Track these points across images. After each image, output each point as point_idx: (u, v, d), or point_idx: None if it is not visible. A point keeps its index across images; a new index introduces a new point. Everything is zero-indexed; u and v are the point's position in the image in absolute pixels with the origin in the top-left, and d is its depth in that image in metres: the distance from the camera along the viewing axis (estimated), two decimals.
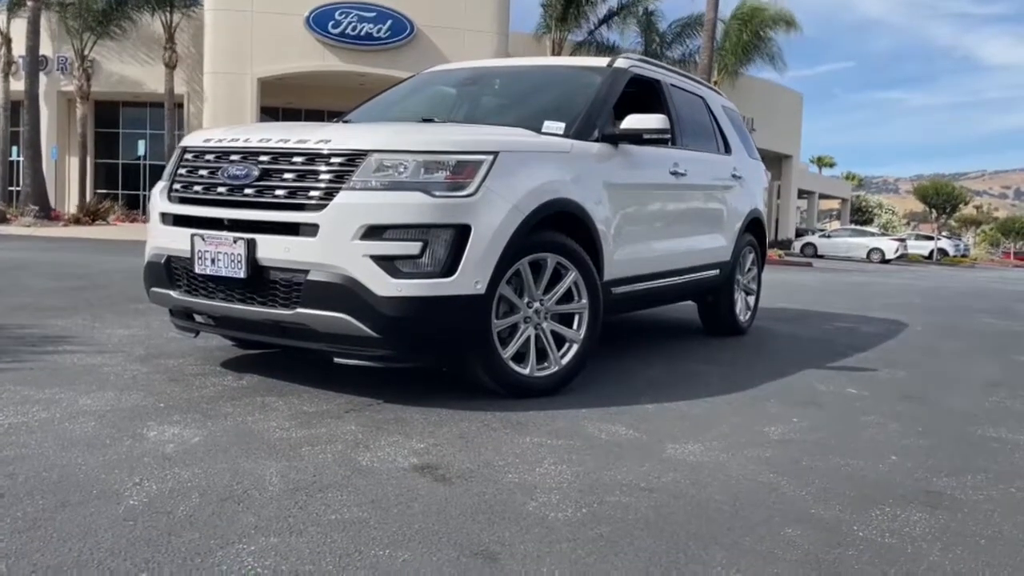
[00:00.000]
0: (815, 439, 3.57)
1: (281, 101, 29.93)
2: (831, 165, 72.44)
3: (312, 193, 3.58)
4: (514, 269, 3.81)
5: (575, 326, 4.14)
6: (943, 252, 43.18)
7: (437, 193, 3.56)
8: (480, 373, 3.86)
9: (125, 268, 9.43)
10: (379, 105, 5.49)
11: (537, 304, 3.98)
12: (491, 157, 3.70)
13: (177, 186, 4.01)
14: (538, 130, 4.40)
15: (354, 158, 3.58)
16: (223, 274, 3.70)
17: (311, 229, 3.54)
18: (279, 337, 3.81)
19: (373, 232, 3.49)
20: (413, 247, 3.51)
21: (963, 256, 46.03)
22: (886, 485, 3.01)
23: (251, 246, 3.62)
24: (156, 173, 29.53)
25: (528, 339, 3.96)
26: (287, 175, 3.65)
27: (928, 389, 4.87)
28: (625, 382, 4.52)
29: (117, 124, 32.02)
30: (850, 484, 2.99)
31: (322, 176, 3.59)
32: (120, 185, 31.91)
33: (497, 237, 3.66)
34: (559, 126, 4.44)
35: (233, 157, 3.82)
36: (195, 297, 3.90)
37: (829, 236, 38.63)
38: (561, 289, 4.05)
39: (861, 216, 58.74)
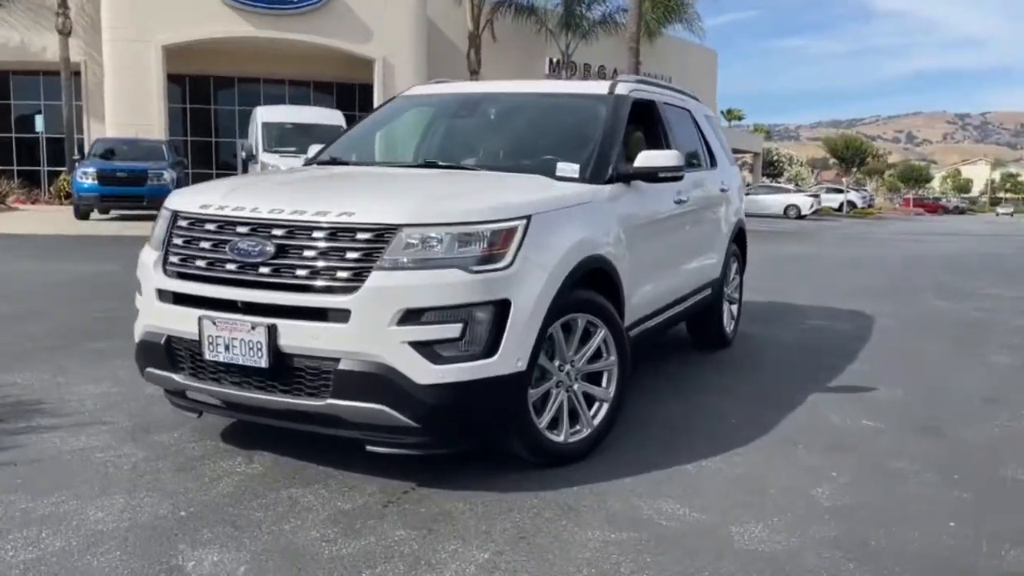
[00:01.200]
0: (865, 505, 3.50)
1: (190, 68, 28.52)
2: (740, 118, 73.65)
3: (340, 274, 3.27)
4: (547, 335, 3.60)
5: (604, 384, 3.96)
6: (852, 204, 44.66)
7: (474, 268, 3.30)
8: (517, 446, 3.67)
9: (59, 280, 8.79)
10: (365, 136, 5.13)
11: (568, 366, 3.79)
12: (524, 222, 3.46)
13: (174, 258, 3.62)
14: (551, 173, 4.17)
15: (382, 233, 3.28)
16: (240, 362, 3.38)
17: (341, 315, 3.24)
18: (304, 424, 3.52)
19: (411, 316, 3.22)
20: (453, 329, 3.26)
21: (869, 207, 47.72)
22: (962, 567, 2.96)
23: (272, 332, 3.30)
24: (55, 148, 28.04)
25: (561, 404, 3.77)
26: (308, 252, 3.33)
27: (936, 415, 4.89)
28: (647, 429, 4.38)
29: (7, 95, 29.95)
30: (928, 569, 2.93)
31: (349, 254, 3.28)
32: (15, 162, 29.97)
33: (537, 309, 3.44)
34: (574, 168, 4.21)
35: (240, 229, 3.46)
36: (204, 383, 3.56)
37: (747, 194, 39.27)
38: (591, 348, 3.86)
39: (773, 169, 60.05)
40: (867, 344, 6.95)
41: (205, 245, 3.54)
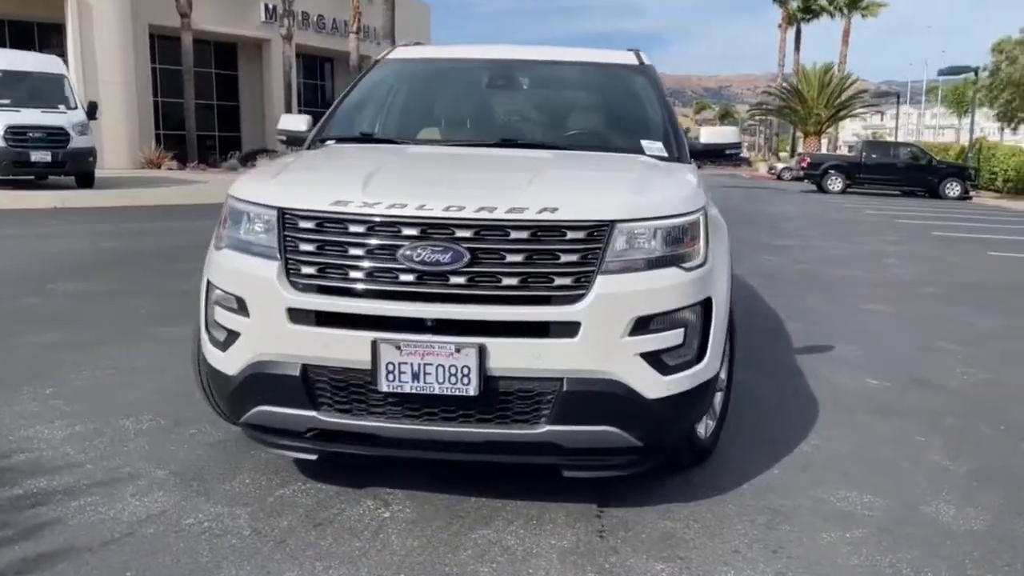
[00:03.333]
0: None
1: None
2: None
3: (558, 280, 2.82)
4: None
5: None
6: None
7: (686, 266, 3.02)
8: (682, 450, 3.45)
9: None
10: (374, 107, 4.44)
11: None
12: (703, 213, 3.22)
13: (308, 269, 2.89)
14: (638, 151, 3.92)
15: (593, 231, 2.87)
16: (436, 392, 2.81)
17: (568, 328, 2.81)
18: (497, 455, 3.02)
19: (641, 324, 2.87)
20: (677, 335, 2.96)
21: None
22: None
23: (482, 354, 2.78)
24: None
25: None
26: (511, 257, 2.82)
27: (909, 371, 5.37)
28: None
29: None
30: None
31: (563, 257, 2.84)
32: None
33: (724, 304, 3.24)
34: (659, 147, 3.99)
35: (409, 232, 2.85)
36: (362, 419, 2.92)
37: None
38: None
39: None
40: (759, 301, 7.43)
41: (358, 252, 2.87)
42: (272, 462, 3.51)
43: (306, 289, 2.89)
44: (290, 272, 2.91)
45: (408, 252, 2.81)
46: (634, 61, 4.61)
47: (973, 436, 4.17)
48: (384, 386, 2.82)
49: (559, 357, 2.81)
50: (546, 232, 2.85)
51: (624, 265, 2.88)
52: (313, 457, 3.16)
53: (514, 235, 2.83)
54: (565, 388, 2.81)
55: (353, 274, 2.86)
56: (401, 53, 4.74)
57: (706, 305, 3.07)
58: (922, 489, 3.49)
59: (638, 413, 2.90)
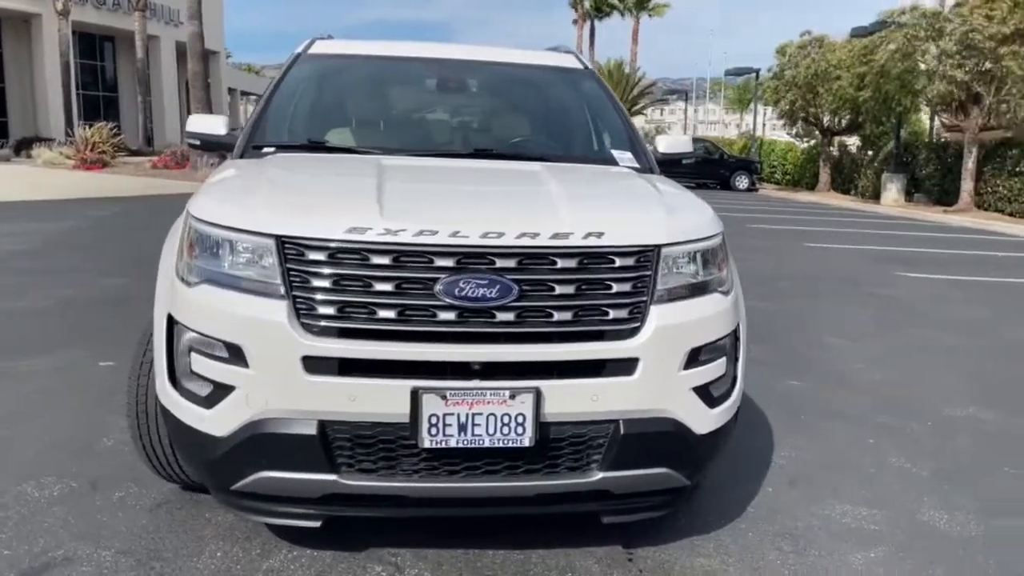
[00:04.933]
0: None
1: None
2: (228, 56, 70.59)
3: (613, 313, 2.57)
4: None
5: None
6: None
7: (722, 290, 2.87)
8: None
9: None
10: (304, 110, 3.93)
11: None
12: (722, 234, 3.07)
13: (325, 308, 2.44)
14: (612, 161, 3.75)
15: (641, 256, 2.64)
16: (486, 445, 2.47)
17: (625, 365, 2.56)
18: (529, 507, 2.72)
19: (693, 356, 2.69)
20: (721, 365, 2.81)
21: None
22: None
23: (538, 399, 2.48)
24: None
25: None
26: (560, 288, 2.53)
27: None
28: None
29: None
30: None
31: (616, 287, 2.59)
32: None
33: (742, 327, 3.11)
34: (630, 157, 3.82)
35: (443, 262, 2.48)
36: (391, 479, 2.53)
37: None
38: None
39: None
40: None
41: (385, 287, 2.46)
42: (238, 525, 3.02)
43: (323, 333, 2.45)
44: (300, 313, 2.46)
45: (447, 286, 2.45)
46: (576, 64, 4.40)
47: (912, 435, 4.33)
48: (426, 442, 2.45)
49: (616, 397, 2.56)
50: (594, 260, 2.58)
51: (673, 293, 2.67)
52: (317, 524, 2.70)
53: (561, 263, 2.55)
54: (622, 431, 2.57)
55: (383, 313, 2.45)
56: (322, 48, 4.23)
57: (735, 333, 2.93)
58: (903, 496, 3.56)
59: (689, 451, 2.72)
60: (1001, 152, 21.22)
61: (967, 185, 21.39)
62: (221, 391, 2.52)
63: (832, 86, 26.59)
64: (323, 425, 2.47)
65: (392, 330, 2.45)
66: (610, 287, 2.58)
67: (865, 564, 2.98)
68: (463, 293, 2.45)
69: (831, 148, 30.07)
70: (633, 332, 2.57)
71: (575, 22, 56.28)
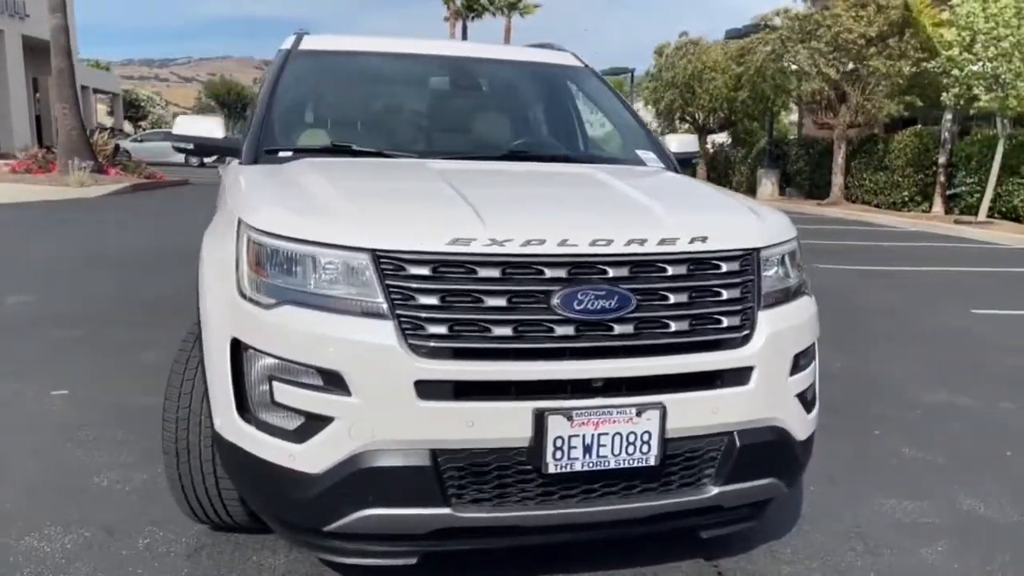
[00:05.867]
0: None
1: None
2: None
3: (726, 321, 2.47)
4: None
5: None
6: None
7: (808, 292, 2.83)
8: None
9: None
10: (313, 111, 3.63)
11: None
12: None
13: (436, 328, 2.23)
14: (639, 161, 3.67)
15: (743, 260, 2.56)
16: (611, 466, 2.32)
17: (741, 375, 2.47)
18: (642, 527, 2.58)
19: (796, 362, 2.63)
20: (813, 370, 2.77)
21: None
22: None
23: (664, 415, 2.35)
24: None
25: None
26: (674, 297, 2.41)
27: None
28: None
29: None
30: None
31: (726, 294, 2.49)
32: None
33: None
34: (652, 156, 3.74)
35: (554, 273, 2.31)
36: (506, 509, 2.34)
37: (143, 140, 36.32)
38: None
39: (136, 112, 55.92)
40: None
41: (498, 302, 2.27)
42: (293, 568, 2.74)
43: (435, 354, 2.24)
44: (407, 334, 2.24)
45: (565, 299, 2.28)
46: (576, 62, 4.28)
47: (910, 423, 4.45)
48: (551, 466, 2.27)
49: (733, 409, 2.47)
50: (700, 266, 2.48)
51: (774, 298, 2.61)
52: (413, 561, 2.47)
53: (672, 270, 2.43)
54: (738, 443, 2.47)
55: (497, 330, 2.26)
56: (315, 44, 3.92)
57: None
58: (936, 487, 3.64)
59: (793, 459, 2.67)
60: (867, 148, 22.52)
61: (838, 179, 22.57)
62: (316, 423, 2.26)
63: (708, 86, 27.52)
64: (435, 454, 2.25)
65: (509, 348, 2.27)
66: (720, 293, 2.48)
67: (937, 558, 3.00)
68: (582, 306, 2.29)
69: (707, 145, 31.14)
70: (745, 340, 2.48)
71: (447, 19, 56.08)
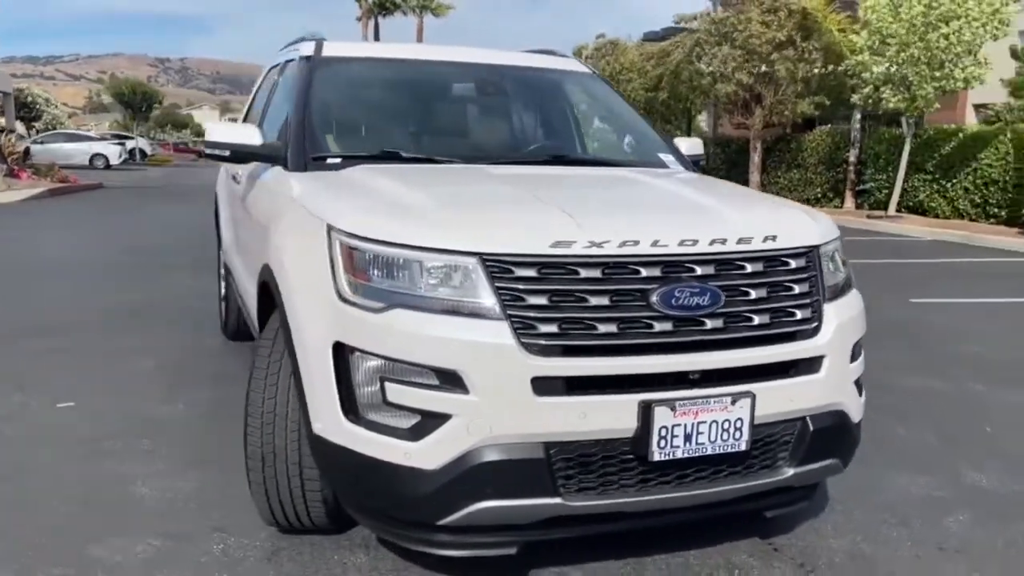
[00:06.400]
0: None
1: None
2: None
3: (798, 314, 2.65)
4: None
5: None
6: (143, 153, 43.28)
7: (855, 286, 3.05)
8: None
9: None
10: (345, 116, 3.66)
11: None
12: None
13: (546, 327, 2.33)
14: (659, 162, 3.84)
15: (806, 256, 2.75)
16: (708, 452, 2.48)
17: (813, 364, 2.66)
18: (724, 508, 2.73)
19: (854, 350, 2.84)
20: (863, 357, 2.97)
21: (155, 155, 46.91)
22: None
23: (754, 403, 2.51)
24: None
25: None
26: (754, 292, 2.58)
27: None
28: None
29: None
30: None
31: (797, 288, 2.67)
32: None
33: None
34: (672, 158, 3.92)
35: (647, 272, 2.45)
36: (611, 496, 2.46)
37: (43, 143, 34.77)
38: None
39: (29, 112, 53.28)
40: None
41: (601, 301, 2.40)
42: (376, 565, 2.80)
43: (547, 352, 2.35)
44: (520, 333, 2.34)
45: (663, 296, 2.43)
46: (583, 68, 4.43)
47: (894, 406, 4.75)
48: (656, 454, 2.41)
49: (807, 395, 2.66)
50: (773, 263, 2.66)
51: (833, 291, 2.81)
52: (514, 551, 2.57)
53: (750, 268, 2.60)
54: (810, 427, 2.66)
55: (603, 327, 2.39)
56: (338, 51, 3.94)
57: None
58: (940, 462, 3.93)
59: (851, 439, 2.88)
60: (781, 147, 23.45)
61: (755, 177, 23.40)
62: (432, 421, 2.34)
63: (626, 87, 28.12)
64: (547, 447, 2.37)
65: (614, 344, 2.39)
66: (792, 288, 2.66)
67: (964, 527, 3.27)
68: (679, 302, 2.44)
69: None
70: (816, 331, 2.67)
71: (359, 19, 55.51)
